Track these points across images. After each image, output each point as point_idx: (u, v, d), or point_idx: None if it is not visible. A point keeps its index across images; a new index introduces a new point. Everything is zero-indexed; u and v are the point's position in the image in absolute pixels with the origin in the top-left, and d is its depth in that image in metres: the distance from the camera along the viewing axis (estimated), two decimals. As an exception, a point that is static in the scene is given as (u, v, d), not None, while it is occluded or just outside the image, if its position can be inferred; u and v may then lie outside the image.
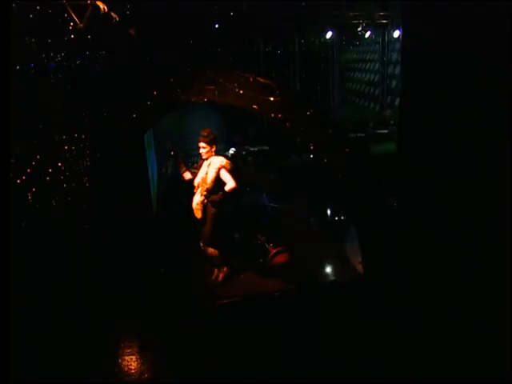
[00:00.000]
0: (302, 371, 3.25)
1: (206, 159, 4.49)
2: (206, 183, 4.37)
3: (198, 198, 4.43)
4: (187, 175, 4.65)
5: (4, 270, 2.46)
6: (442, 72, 3.41)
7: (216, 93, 4.46)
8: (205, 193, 4.36)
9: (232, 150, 9.06)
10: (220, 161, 4.38)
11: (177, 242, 5.79)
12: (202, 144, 4.43)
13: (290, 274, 4.80)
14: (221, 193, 4.34)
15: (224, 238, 4.73)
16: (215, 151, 4.46)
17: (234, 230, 6.23)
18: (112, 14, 4.38)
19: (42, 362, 3.31)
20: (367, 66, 13.04)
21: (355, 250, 4.86)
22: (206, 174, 4.39)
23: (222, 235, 4.63)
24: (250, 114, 4.81)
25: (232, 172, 4.36)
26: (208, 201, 4.37)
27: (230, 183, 4.32)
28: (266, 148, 9.15)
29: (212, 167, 4.36)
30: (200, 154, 4.55)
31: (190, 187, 4.61)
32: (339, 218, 6.78)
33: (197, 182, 4.49)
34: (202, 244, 4.57)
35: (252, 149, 8.94)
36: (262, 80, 4.38)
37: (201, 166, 4.55)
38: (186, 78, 4.56)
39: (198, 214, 4.44)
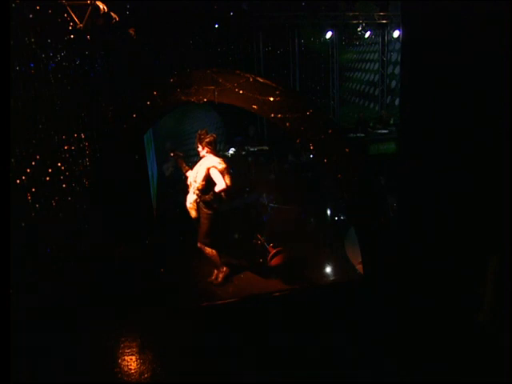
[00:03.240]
0: (302, 371, 3.25)
1: (201, 159, 4.50)
2: (196, 182, 4.38)
3: (191, 198, 4.45)
4: (188, 174, 4.66)
5: (4, 270, 2.46)
6: (441, 72, 3.41)
7: (216, 93, 4.46)
8: (196, 192, 4.37)
9: (232, 150, 9.05)
10: (211, 161, 4.37)
11: (176, 241, 5.80)
12: (196, 143, 4.47)
13: (289, 274, 4.79)
14: (211, 193, 4.33)
15: (221, 237, 4.72)
16: (212, 152, 4.45)
17: (234, 229, 6.24)
18: (112, 13, 4.38)
19: (42, 361, 3.31)
20: (367, 66, 13.04)
21: (355, 250, 4.86)
22: (197, 173, 4.40)
23: (219, 235, 4.62)
24: (250, 114, 4.79)
25: (223, 173, 4.35)
26: (200, 200, 4.38)
27: (220, 184, 4.29)
28: (266, 148, 9.14)
29: (202, 167, 4.37)
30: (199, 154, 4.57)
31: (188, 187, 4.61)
32: (339, 217, 6.79)
33: (189, 181, 4.51)
34: (199, 244, 4.56)
35: (252, 149, 8.93)
36: (261, 80, 4.38)
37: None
38: (186, 78, 4.56)
39: (192, 214, 4.46)
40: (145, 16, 6.62)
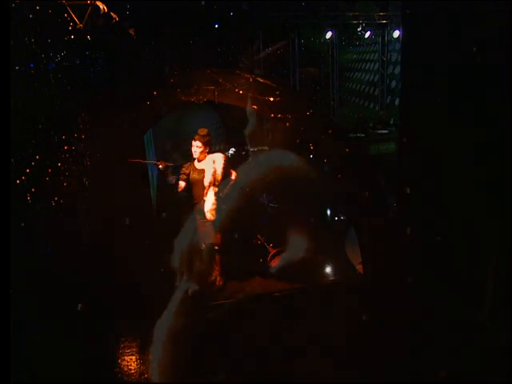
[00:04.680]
0: (302, 371, 3.25)
1: (200, 159, 4.42)
2: (217, 180, 4.35)
3: (211, 198, 4.29)
4: (181, 184, 4.43)
5: (4, 270, 2.46)
6: (441, 72, 3.41)
7: (216, 93, 4.46)
8: (217, 189, 4.35)
9: (232, 150, 9.04)
10: (222, 156, 4.43)
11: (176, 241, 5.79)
12: (197, 143, 4.34)
13: (290, 274, 4.79)
14: (230, 184, 4.36)
15: (228, 237, 4.71)
16: (209, 152, 4.44)
17: (234, 229, 6.23)
18: (112, 13, 4.38)
19: (42, 362, 3.31)
20: (367, 66, 13.04)
21: (355, 249, 4.86)
22: (215, 171, 4.33)
23: (229, 234, 4.62)
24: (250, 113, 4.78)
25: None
26: (220, 196, 4.35)
27: (233, 173, 4.45)
28: (266, 148, 9.14)
29: (219, 163, 4.35)
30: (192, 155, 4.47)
31: (188, 187, 4.56)
32: (339, 218, 6.78)
33: (207, 181, 4.32)
34: (215, 246, 4.52)
35: (252, 149, 8.92)
36: (261, 80, 4.39)
37: (192, 168, 4.44)
38: (186, 78, 4.56)
39: (213, 215, 4.29)
40: (145, 16, 6.62)
